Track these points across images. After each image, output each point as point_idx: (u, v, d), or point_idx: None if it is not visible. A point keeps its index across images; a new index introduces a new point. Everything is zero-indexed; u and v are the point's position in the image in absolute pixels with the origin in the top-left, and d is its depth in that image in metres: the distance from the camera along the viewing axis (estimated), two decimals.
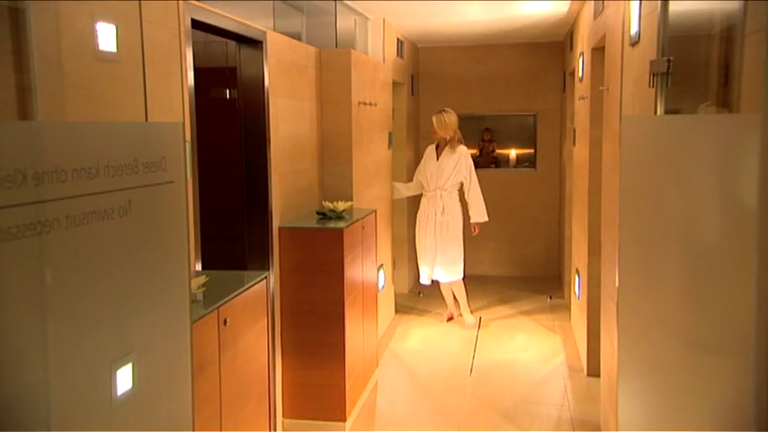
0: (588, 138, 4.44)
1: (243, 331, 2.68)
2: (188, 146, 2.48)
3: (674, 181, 1.69)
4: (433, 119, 5.57)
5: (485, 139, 7.53)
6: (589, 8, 4.51)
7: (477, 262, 7.17)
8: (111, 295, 1.63)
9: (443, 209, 5.57)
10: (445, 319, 5.79)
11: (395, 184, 5.89)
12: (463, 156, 5.59)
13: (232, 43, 3.48)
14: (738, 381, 1.26)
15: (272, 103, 3.48)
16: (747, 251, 1.21)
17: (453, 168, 5.56)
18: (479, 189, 5.68)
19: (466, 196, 5.64)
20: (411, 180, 6.10)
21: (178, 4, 2.54)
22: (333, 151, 4.37)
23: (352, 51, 4.35)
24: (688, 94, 2.15)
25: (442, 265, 5.64)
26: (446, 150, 5.59)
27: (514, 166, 7.52)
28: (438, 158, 5.61)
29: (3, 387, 1.30)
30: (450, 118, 5.51)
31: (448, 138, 5.56)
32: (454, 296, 5.79)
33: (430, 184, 5.64)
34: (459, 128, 5.61)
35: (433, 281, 5.74)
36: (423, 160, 5.79)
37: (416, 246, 5.81)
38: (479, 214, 5.67)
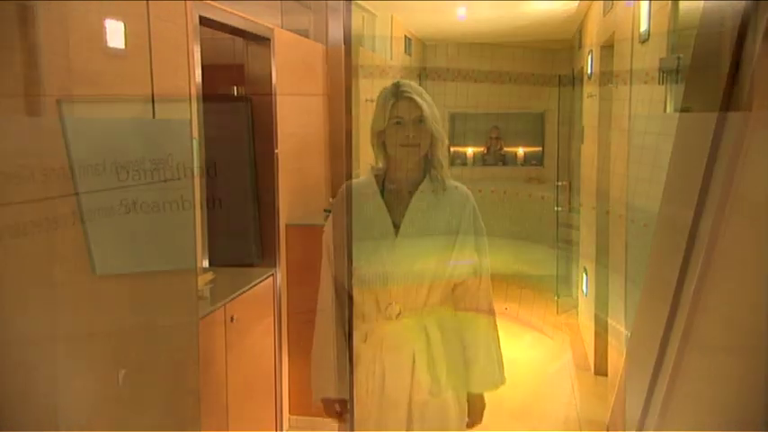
0: (597, 135, 4.42)
1: (250, 328, 2.68)
2: (195, 143, 2.48)
3: (684, 179, 1.68)
4: (380, 102, 1.90)
5: (492, 137, 7.51)
6: (598, 5, 4.48)
7: None
8: (119, 291, 1.63)
9: (432, 372, 2.00)
10: None
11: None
12: (467, 209, 1.93)
13: (240, 40, 3.48)
14: (748, 381, 1.25)
15: (279, 100, 3.47)
16: (759, 250, 1.20)
17: (444, 247, 1.91)
18: (492, 298, 2.05)
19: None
20: None
21: (185, 1, 2.53)
22: (340, 148, 4.37)
23: (360, 49, 4.34)
24: (698, 92, 2.13)
25: None
26: (419, 196, 1.90)
27: (522, 164, 7.50)
28: (399, 226, 1.88)
29: (10, 382, 1.30)
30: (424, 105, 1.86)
31: (421, 153, 1.88)
32: None
33: (379, 300, 1.89)
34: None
35: None
36: (330, 233, 1.95)
37: None
38: (491, 374, 2.16)
